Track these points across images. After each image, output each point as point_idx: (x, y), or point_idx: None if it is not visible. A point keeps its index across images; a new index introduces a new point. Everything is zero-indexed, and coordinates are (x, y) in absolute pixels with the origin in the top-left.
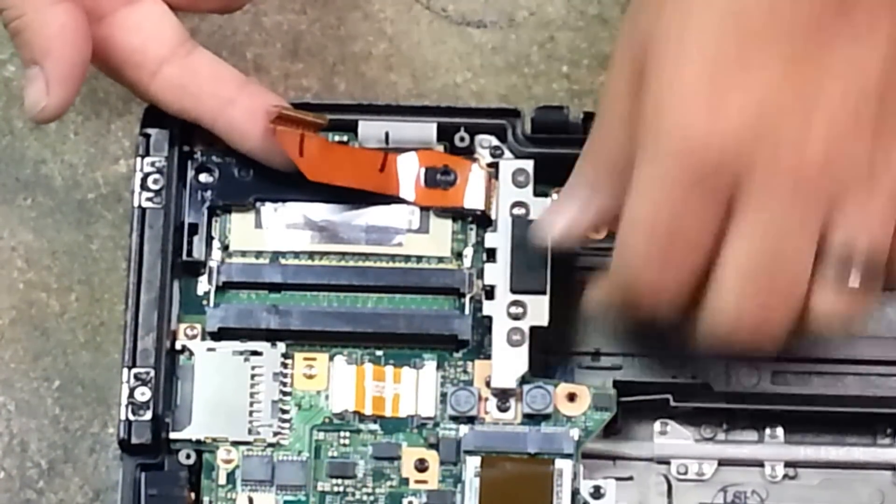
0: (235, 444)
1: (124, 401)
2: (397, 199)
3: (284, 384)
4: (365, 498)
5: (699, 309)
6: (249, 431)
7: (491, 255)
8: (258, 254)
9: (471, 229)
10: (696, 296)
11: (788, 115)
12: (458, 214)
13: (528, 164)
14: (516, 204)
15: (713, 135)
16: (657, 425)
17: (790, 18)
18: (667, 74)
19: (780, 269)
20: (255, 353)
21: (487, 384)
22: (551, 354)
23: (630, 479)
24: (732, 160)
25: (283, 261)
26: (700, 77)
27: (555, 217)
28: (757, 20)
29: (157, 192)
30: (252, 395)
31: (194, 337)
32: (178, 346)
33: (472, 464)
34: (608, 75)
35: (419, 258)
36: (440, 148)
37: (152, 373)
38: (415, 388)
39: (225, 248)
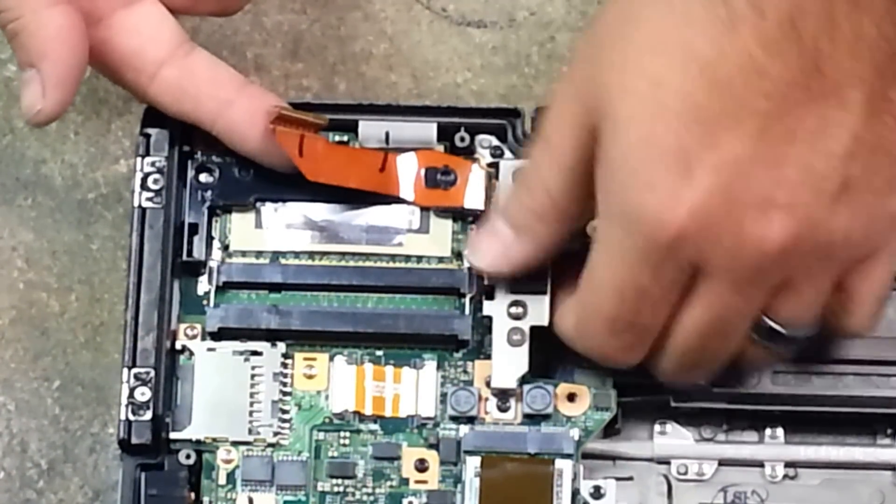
0: (235, 444)
1: (124, 401)
2: (397, 199)
3: (284, 384)
4: (365, 498)
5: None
6: (249, 431)
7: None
8: (258, 254)
9: (471, 229)
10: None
11: (754, 198)
12: (459, 214)
13: None
14: None
15: (681, 216)
16: (657, 425)
17: (773, 78)
18: (633, 145)
19: (720, 341)
20: (255, 353)
21: (487, 384)
22: (551, 354)
23: (630, 479)
24: (697, 241)
25: (283, 261)
26: (669, 152)
27: (478, 251)
28: (737, 84)
29: (158, 192)
30: (252, 395)
31: (194, 337)
32: (178, 346)
33: (472, 464)
34: (550, 115)
35: (419, 258)
36: (440, 148)
37: (152, 373)
38: (415, 388)
39: (225, 248)
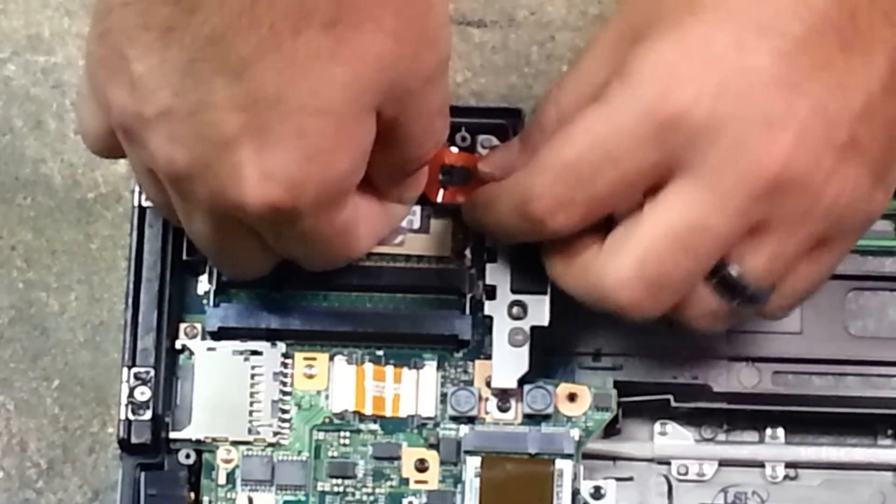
0: (235, 443)
1: (124, 400)
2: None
3: (284, 384)
4: (365, 498)
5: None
6: (249, 431)
7: (492, 255)
8: None
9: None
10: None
11: (763, 113)
12: (459, 214)
13: None
14: None
15: (692, 93)
16: (657, 426)
17: (809, 4)
18: (671, 37)
19: (686, 258)
20: (255, 352)
21: (488, 384)
22: (551, 354)
23: (630, 479)
24: (690, 130)
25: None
26: (697, 46)
27: (489, 156)
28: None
29: None
30: (252, 394)
31: (194, 336)
32: (178, 345)
33: (473, 464)
34: (588, 49)
35: (419, 258)
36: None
37: (152, 372)
38: (415, 388)
39: None
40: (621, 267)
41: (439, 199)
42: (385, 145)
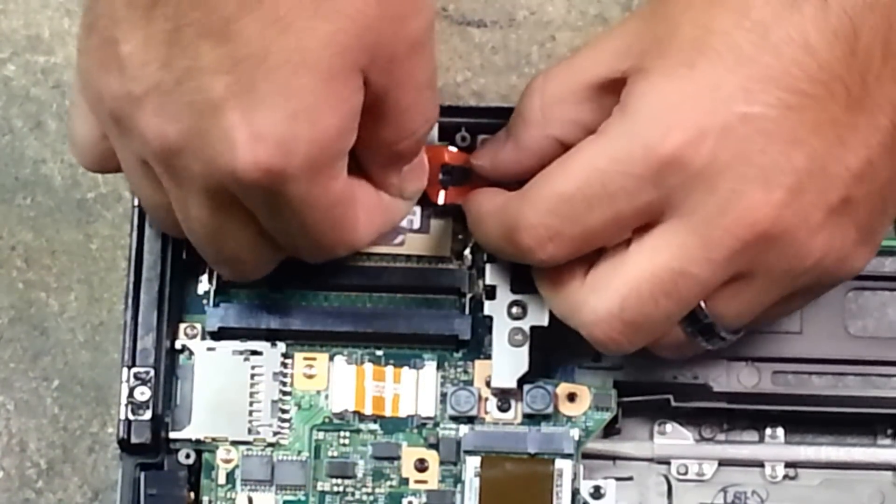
0: (235, 443)
1: (124, 400)
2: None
3: (284, 384)
4: (365, 498)
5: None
6: (249, 431)
7: (492, 255)
8: None
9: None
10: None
11: (760, 165)
12: (459, 214)
13: None
14: None
15: (694, 135)
16: (657, 425)
17: (819, 61)
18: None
19: (668, 302)
20: (255, 352)
21: (487, 384)
22: (551, 354)
23: (630, 479)
24: (691, 174)
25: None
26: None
27: (479, 152)
28: (785, 52)
29: None
30: (252, 394)
31: (194, 336)
32: (177, 345)
33: (472, 464)
34: (587, 48)
35: (419, 258)
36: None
37: (152, 372)
38: (415, 388)
39: None
40: (601, 305)
41: (440, 199)
42: (375, 119)
